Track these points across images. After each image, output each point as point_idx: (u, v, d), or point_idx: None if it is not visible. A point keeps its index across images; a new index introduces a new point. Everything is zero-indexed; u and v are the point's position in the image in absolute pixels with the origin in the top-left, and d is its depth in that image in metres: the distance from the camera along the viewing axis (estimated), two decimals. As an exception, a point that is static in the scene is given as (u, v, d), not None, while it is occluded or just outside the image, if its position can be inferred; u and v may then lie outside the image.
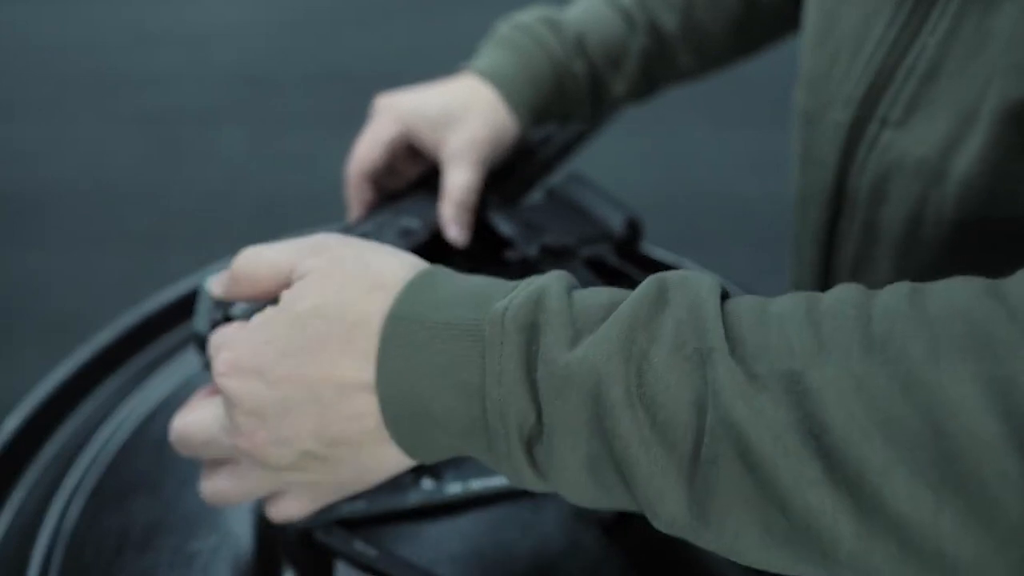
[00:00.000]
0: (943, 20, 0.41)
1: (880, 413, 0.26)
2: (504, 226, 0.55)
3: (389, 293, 0.33)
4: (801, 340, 0.28)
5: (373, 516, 0.46)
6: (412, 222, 0.54)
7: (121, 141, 2.40)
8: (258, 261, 0.37)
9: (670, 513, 0.29)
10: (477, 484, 0.48)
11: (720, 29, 0.65)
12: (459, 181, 0.54)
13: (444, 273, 0.35)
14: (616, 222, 0.55)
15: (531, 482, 0.32)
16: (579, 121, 0.64)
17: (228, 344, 0.35)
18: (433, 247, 0.54)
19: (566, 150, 0.63)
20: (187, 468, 0.50)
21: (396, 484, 0.48)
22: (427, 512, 0.47)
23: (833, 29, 0.49)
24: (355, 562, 0.44)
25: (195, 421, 0.37)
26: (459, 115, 0.56)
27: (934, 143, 0.42)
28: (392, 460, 0.35)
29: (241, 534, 0.46)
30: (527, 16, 0.62)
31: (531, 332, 0.31)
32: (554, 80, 0.60)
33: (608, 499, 0.31)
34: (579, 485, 0.31)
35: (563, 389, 0.29)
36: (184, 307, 0.62)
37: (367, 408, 0.33)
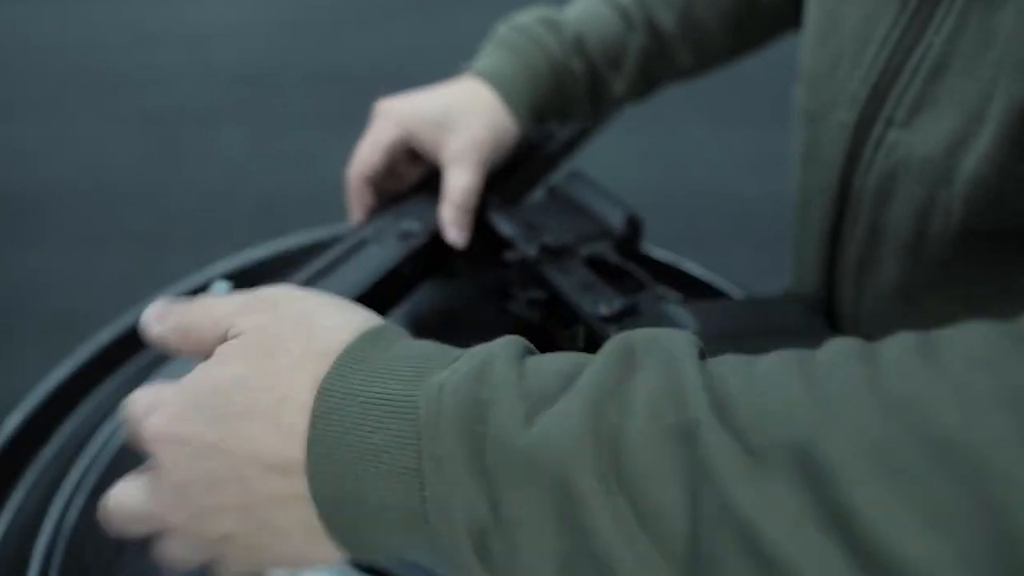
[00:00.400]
0: (948, 19, 0.41)
1: (916, 491, 0.22)
2: (504, 226, 0.55)
3: (325, 361, 0.29)
4: (800, 403, 0.24)
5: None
6: (412, 225, 0.54)
7: (121, 141, 2.40)
8: (202, 313, 0.34)
9: None
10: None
11: (719, 27, 0.65)
12: (459, 183, 0.54)
13: (390, 336, 0.31)
14: (616, 219, 0.55)
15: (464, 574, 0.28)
16: (579, 120, 0.64)
17: (157, 407, 0.32)
18: (433, 249, 0.54)
19: (567, 148, 0.63)
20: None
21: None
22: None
23: (835, 29, 0.49)
24: (355, 562, 0.44)
25: (125, 492, 0.33)
26: (459, 118, 0.56)
27: (940, 142, 0.41)
28: (325, 554, 0.30)
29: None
30: (526, 17, 0.62)
31: (475, 409, 0.26)
32: (553, 80, 0.60)
33: None
34: None
35: (523, 478, 0.25)
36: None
37: (295, 492, 0.29)
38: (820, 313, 0.50)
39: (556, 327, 0.50)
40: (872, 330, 0.45)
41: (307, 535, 0.29)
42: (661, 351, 0.26)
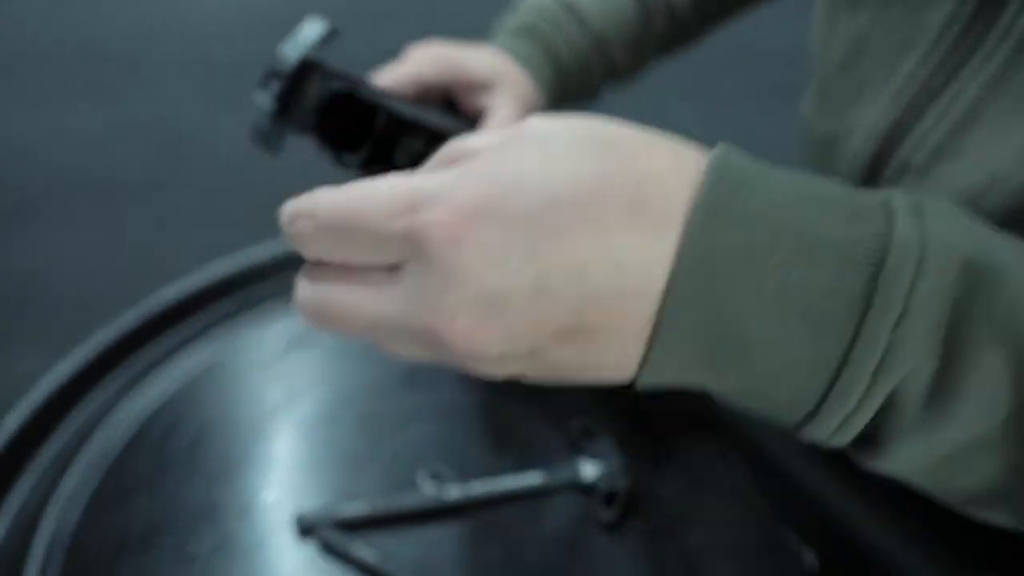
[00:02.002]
0: (988, 65, 0.36)
1: None
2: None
3: (680, 155, 0.25)
4: None
5: (373, 517, 0.46)
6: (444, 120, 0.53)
7: (121, 140, 2.40)
8: (371, 192, 0.25)
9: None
10: (476, 487, 0.48)
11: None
12: (506, 119, 0.54)
13: (742, 157, 0.26)
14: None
15: (828, 442, 0.26)
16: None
17: (445, 192, 0.24)
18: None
19: None
20: (187, 468, 0.50)
21: (396, 486, 0.48)
22: (427, 514, 0.47)
23: (862, 53, 0.46)
24: (355, 562, 0.44)
25: (368, 301, 0.26)
26: (504, 79, 0.56)
27: (958, 198, 0.37)
28: (625, 364, 0.26)
29: (241, 534, 0.46)
30: (551, 3, 0.62)
31: (969, 271, 0.23)
32: (577, 75, 0.62)
33: (957, 484, 0.26)
34: (919, 467, 0.25)
35: (1017, 360, 0.23)
36: (184, 307, 0.62)
37: (642, 300, 0.24)
38: None
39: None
40: None
41: (624, 343, 0.25)
42: None
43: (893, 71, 0.42)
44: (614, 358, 0.25)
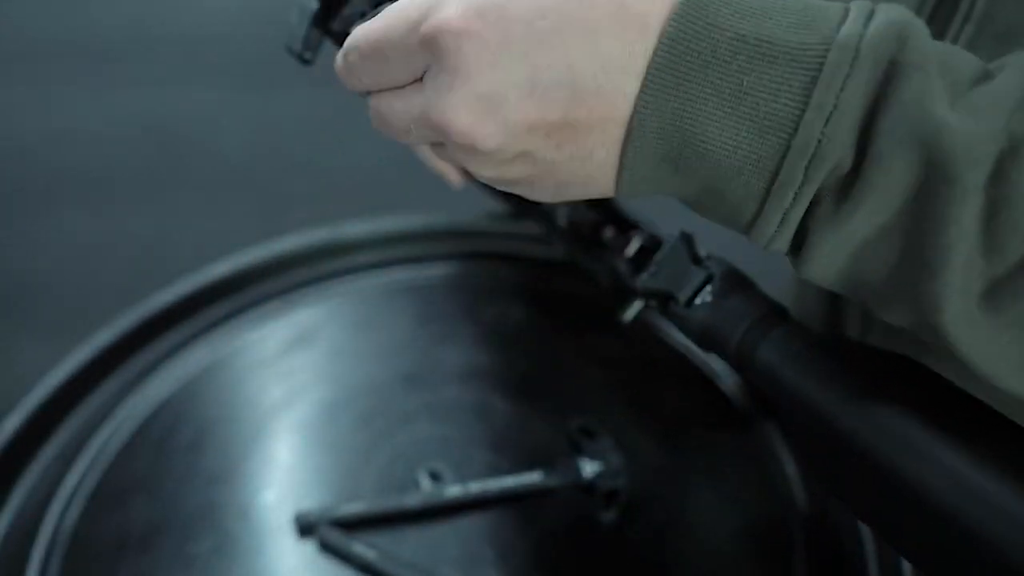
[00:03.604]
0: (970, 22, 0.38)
1: None
2: None
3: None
4: None
5: (373, 516, 0.46)
6: None
7: (121, 140, 2.40)
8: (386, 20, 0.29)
9: (947, 314, 0.26)
10: (476, 487, 0.48)
11: None
12: None
13: None
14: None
15: (770, 245, 0.28)
16: None
17: (447, 1, 0.27)
18: None
19: None
20: (186, 468, 0.50)
21: (396, 486, 0.48)
22: (426, 513, 0.47)
23: None
24: (355, 562, 0.44)
25: (398, 102, 0.30)
26: None
27: None
28: (608, 169, 0.29)
29: (240, 534, 0.46)
30: None
31: (890, 70, 0.25)
32: None
33: (863, 280, 0.28)
34: (836, 263, 0.28)
35: (912, 150, 0.25)
36: (184, 307, 0.63)
37: (621, 99, 0.27)
38: None
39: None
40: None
41: (601, 150, 0.28)
42: None
43: None
44: (598, 162, 0.28)
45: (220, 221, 2.07)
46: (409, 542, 0.46)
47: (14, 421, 0.52)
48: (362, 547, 0.44)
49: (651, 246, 0.43)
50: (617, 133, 0.27)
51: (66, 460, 0.51)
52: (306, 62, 0.46)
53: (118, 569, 0.45)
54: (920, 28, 0.26)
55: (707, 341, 0.37)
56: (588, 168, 0.29)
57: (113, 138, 2.41)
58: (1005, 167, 0.25)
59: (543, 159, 0.28)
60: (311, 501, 0.48)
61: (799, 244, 0.28)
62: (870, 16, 0.26)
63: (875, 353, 0.32)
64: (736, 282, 0.38)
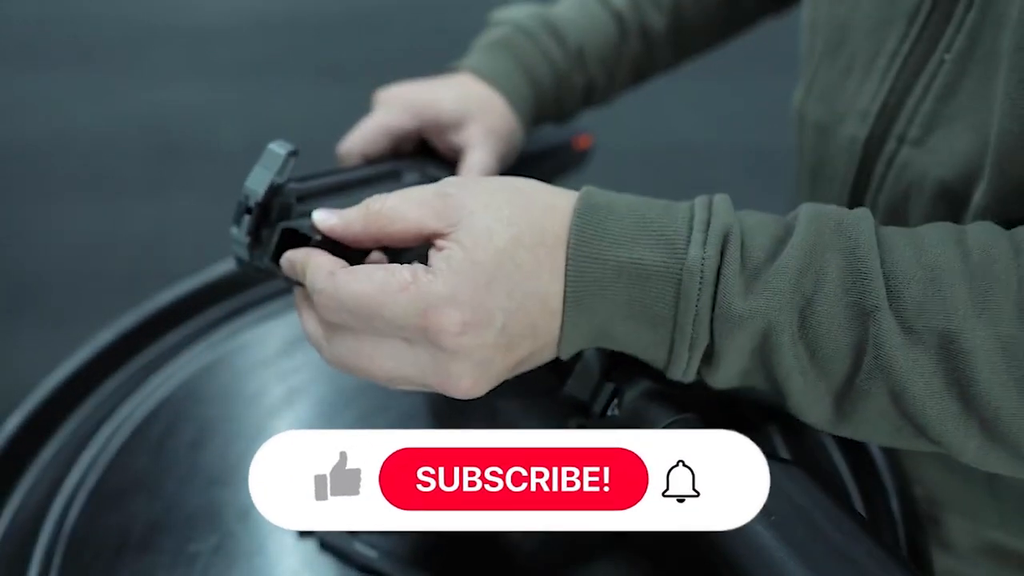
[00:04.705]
0: (959, 37, 0.39)
1: (1020, 371, 0.31)
2: None
3: (561, 212, 0.35)
4: (958, 300, 0.32)
5: (373, 517, 0.46)
6: (440, 172, 0.53)
7: (121, 140, 2.40)
8: (393, 218, 0.35)
9: (814, 417, 0.36)
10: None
11: (704, 23, 0.65)
12: (481, 162, 0.54)
13: (599, 195, 0.36)
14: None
15: (684, 378, 0.36)
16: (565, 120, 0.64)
17: (447, 301, 0.33)
18: None
19: (562, 169, 0.64)
20: (187, 468, 0.51)
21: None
22: (427, 513, 0.47)
23: (846, 40, 0.48)
24: (355, 562, 0.44)
25: (391, 363, 0.35)
26: (475, 112, 0.55)
27: (956, 167, 0.40)
28: (549, 358, 0.37)
29: (241, 534, 0.46)
30: (525, 17, 0.61)
31: (717, 279, 0.34)
32: (554, 93, 0.61)
33: (752, 386, 0.36)
34: (728, 383, 0.36)
35: (736, 330, 0.34)
36: (184, 307, 0.63)
37: (554, 325, 0.35)
38: None
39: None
40: None
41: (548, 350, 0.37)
42: (848, 238, 0.34)
43: (876, 53, 0.45)
44: (544, 359, 0.37)
45: (220, 221, 2.07)
46: (409, 542, 0.46)
47: (14, 421, 0.52)
48: (362, 547, 0.44)
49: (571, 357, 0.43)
50: (553, 346, 0.36)
51: (66, 460, 0.51)
52: (262, 278, 0.49)
53: (118, 569, 0.45)
54: (735, 233, 0.34)
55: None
56: (537, 364, 0.38)
57: (113, 137, 2.41)
58: (806, 317, 0.33)
59: (510, 375, 0.37)
60: (311, 501, 0.48)
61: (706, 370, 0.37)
62: (706, 230, 0.34)
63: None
64: (647, 396, 0.40)
